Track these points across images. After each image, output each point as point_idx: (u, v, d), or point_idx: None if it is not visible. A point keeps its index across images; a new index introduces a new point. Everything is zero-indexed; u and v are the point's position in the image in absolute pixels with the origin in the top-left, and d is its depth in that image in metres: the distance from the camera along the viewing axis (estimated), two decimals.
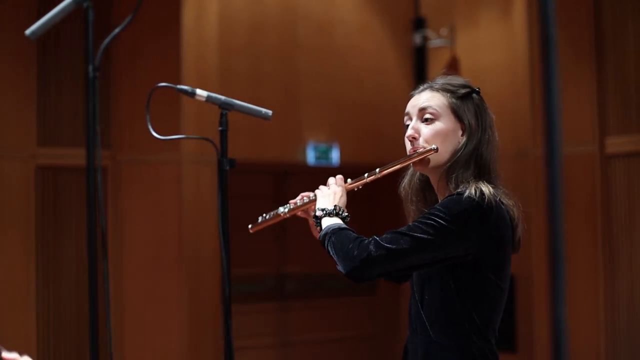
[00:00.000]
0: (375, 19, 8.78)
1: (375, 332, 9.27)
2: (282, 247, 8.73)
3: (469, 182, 2.87)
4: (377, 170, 3.12)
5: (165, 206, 7.18)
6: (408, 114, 3.07)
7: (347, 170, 8.76)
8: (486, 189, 2.82)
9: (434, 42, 8.70)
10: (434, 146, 2.91)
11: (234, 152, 7.67)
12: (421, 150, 2.95)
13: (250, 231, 3.43)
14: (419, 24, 8.93)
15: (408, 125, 3.06)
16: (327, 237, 2.92)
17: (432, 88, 3.03)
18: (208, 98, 2.58)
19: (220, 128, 2.54)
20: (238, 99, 8.51)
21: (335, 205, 3.07)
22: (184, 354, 7.23)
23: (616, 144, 7.25)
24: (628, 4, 7.23)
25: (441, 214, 2.77)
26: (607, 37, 7.36)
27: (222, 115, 2.58)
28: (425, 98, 3.01)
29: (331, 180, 3.20)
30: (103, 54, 2.30)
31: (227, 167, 2.51)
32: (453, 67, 8.57)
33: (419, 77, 8.96)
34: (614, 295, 7.22)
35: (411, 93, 3.12)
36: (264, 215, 3.40)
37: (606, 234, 7.18)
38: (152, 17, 7.14)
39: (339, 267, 2.85)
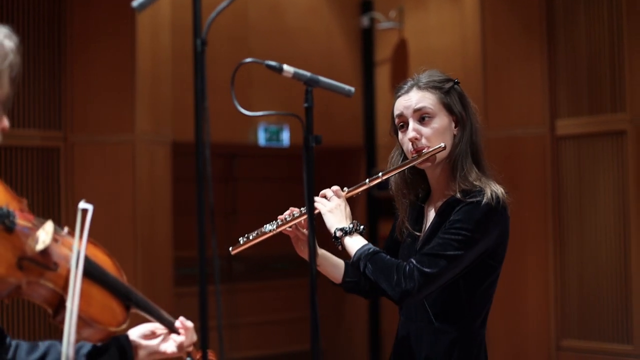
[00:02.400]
0: (324, 1, 8.79)
1: (322, 314, 9.30)
2: (230, 228, 8.69)
3: (478, 180, 3.06)
4: (380, 173, 3.16)
5: (119, 187, 7.06)
6: (401, 115, 3.16)
7: (297, 151, 8.80)
8: (499, 191, 3.02)
9: (383, 24, 8.75)
10: (442, 144, 3.06)
11: (185, 133, 7.64)
12: (429, 149, 3.06)
13: (232, 253, 3.32)
14: (367, 6, 8.97)
15: (402, 127, 3.16)
16: (361, 263, 3.02)
17: (418, 87, 3.16)
18: (294, 74, 2.57)
19: (306, 104, 2.53)
20: (190, 79, 8.40)
21: (353, 222, 3.11)
22: None
23: (566, 125, 7.41)
24: None
25: (466, 225, 2.95)
26: (559, 21, 7.50)
27: (307, 91, 2.56)
28: (417, 98, 3.13)
29: (328, 192, 3.18)
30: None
31: (313, 144, 2.48)
32: (401, 49, 8.64)
33: (367, 60, 9.02)
34: (564, 274, 7.39)
35: (397, 94, 3.23)
36: (247, 235, 3.28)
37: (556, 215, 7.34)
38: None
39: (385, 291, 2.96)
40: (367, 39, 9.03)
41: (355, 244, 3.07)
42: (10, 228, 2.06)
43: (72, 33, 6.98)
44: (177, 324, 2.58)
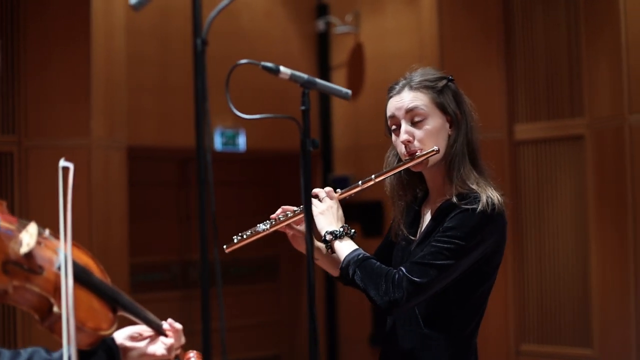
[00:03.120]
0: (280, 4, 8.73)
1: (279, 319, 9.24)
2: (186, 233, 8.59)
3: (476, 183, 2.94)
4: (373, 176, 3.08)
5: (74, 192, 6.91)
6: (393, 117, 3.07)
7: (253, 155, 8.75)
8: (495, 196, 2.91)
9: (339, 28, 8.71)
10: (435, 148, 2.96)
11: (142, 137, 7.52)
12: (422, 153, 2.97)
13: (226, 251, 3.23)
14: (323, 10, 8.93)
15: (394, 129, 3.08)
16: (350, 269, 2.94)
17: (410, 87, 3.04)
18: (291, 76, 2.49)
19: (302, 107, 2.45)
20: (146, 83, 8.29)
21: (343, 226, 3.04)
22: None
23: (525, 130, 7.44)
24: None
25: (459, 234, 2.85)
26: (517, 26, 7.53)
27: (304, 94, 2.48)
28: (409, 99, 3.02)
29: (321, 193, 3.11)
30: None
31: (310, 148, 2.40)
32: (357, 53, 8.61)
33: (323, 64, 8.97)
34: (523, 278, 7.42)
35: (389, 94, 3.12)
36: (240, 234, 3.21)
37: (515, 219, 7.36)
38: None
39: (373, 299, 2.88)
40: (323, 43, 8.99)
41: (345, 248, 2.98)
42: None
43: (26, 37, 6.82)
44: (166, 325, 2.51)
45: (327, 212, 3.05)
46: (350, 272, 2.93)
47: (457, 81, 3.09)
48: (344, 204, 3.14)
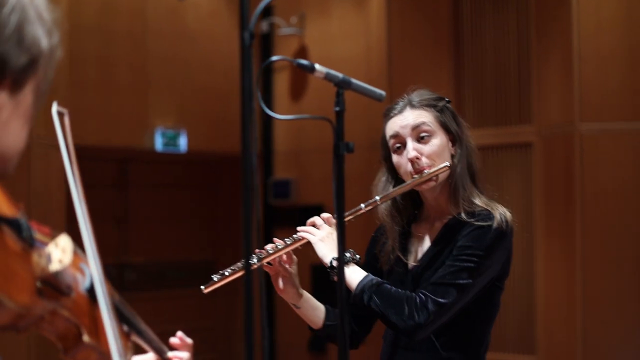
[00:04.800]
0: (224, 5, 8.59)
1: (214, 324, 9.10)
2: (122, 236, 8.39)
3: (483, 202, 2.92)
4: (377, 198, 2.96)
5: (13, 193, 6.68)
6: (397, 136, 2.98)
7: (195, 156, 8.59)
8: (507, 214, 2.89)
9: (283, 30, 8.61)
10: (447, 163, 2.91)
11: (82, 137, 7.32)
12: (432, 169, 2.90)
13: (204, 292, 3.06)
14: (267, 11, 8.81)
15: (397, 148, 2.98)
16: (365, 295, 2.84)
17: (412, 105, 3.00)
18: (327, 75, 2.36)
19: (337, 108, 2.31)
20: (88, 81, 8.07)
21: (349, 251, 2.94)
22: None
23: (472, 137, 7.42)
24: (486, 1, 7.43)
25: (477, 252, 2.82)
26: (466, 32, 7.53)
27: (338, 94, 2.35)
28: (414, 116, 2.96)
29: (318, 220, 2.96)
30: None
31: (344, 152, 2.27)
32: (301, 56, 8.52)
33: (266, 65, 8.85)
34: None
35: (389, 115, 3.05)
36: (222, 272, 3.01)
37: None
38: None
39: (395, 323, 2.80)
40: (266, 44, 8.87)
41: (355, 275, 2.87)
42: (30, 244, 1.61)
43: None
44: (175, 340, 2.24)
45: (327, 239, 2.91)
46: (366, 298, 2.83)
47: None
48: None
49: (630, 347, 6.56)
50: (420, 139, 2.93)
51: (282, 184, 8.64)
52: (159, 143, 7.85)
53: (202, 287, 3.05)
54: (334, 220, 2.90)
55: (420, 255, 3.04)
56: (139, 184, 8.66)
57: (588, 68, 6.65)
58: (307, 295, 3.09)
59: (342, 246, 2.21)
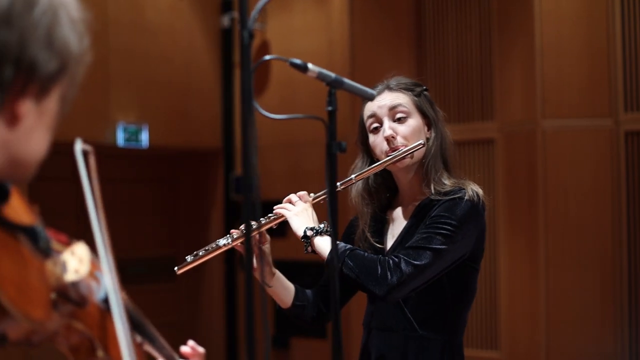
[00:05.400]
0: None
1: (177, 319, 9.03)
2: (81, 231, 8.29)
3: (458, 181, 3.01)
4: (353, 176, 3.05)
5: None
6: (375, 115, 3.09)
7: (157, 151, 8.52)
8: (479, 189, 2.97)
9: None
10: (421, 141, 2.99)
11: None
12: (407, 148, 2.98)
13: (177, 273, 3.14)
14: (227, 5, 8.76)
15: (376, 128, 3.09)
16: (337, 260, 2.87)
17: (389, 88, 3.13)
18: (319, 75, 2.35)
19: (329, 108, 2.31)
20: None
21: (323, 222, 2.98)
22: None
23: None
24: None
25: (449, 221, 2.87)
26: (428, 28, 7.54)
27: (330, 93, 2.34)
28: (391, 98, 3.08)
29: (294, 197, 3.06)
30: None
31: (336, 151, 2.27)
32: (263, 51, 8.48)
33: (227, 60, 8.80)
34: None
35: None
36: (196, 252, 3.07)
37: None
38: None
39: (367, 287, 2.84)
40: (227, 39, 8.81)
41: (327, 242, 2.92)
42: (47, 254, 1.53)
43: None
44: (186, 349, 2.24)
45: (302, 214, 2.99)
46: (338, 264, 2.86)
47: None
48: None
49: (593, 343, 6.61)
50: (396, 120, 3.04)
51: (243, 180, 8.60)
52: (120, 138, 7.77)
53: (175, 268, 3.12)
54: (308, 198, 3.03)
55: (395, 238, 3.10)
56: (100, 178, 8.56)
57: (550, 64, 6.69)
58: (279, 274, 3.15)
59: (335, 246, 2.21)
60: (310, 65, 2.32)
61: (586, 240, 6.65)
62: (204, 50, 8.65)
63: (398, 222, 3.12)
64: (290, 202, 3.04)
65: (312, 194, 3.05)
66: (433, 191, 2.96)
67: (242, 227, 2.96)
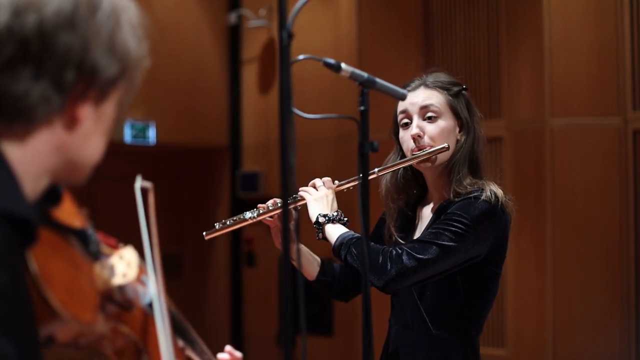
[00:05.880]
0: None
1: (183, 316, 9.04)
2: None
3: (477, 182, 2.97)
4: (376, 169, 3.04)
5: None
6: (406, 112, 3.06)
7: (164, 148, 8.53)
8: (498, 191, 2.95)
9: (252, 22, 8.56)
10: (445, 144, 2.96)
11: None
12: (431, 148, 2.96)
13: (206, 238, 3.17)
14: (235, 3, 8.77)
15: (406, 124, 3.06)
16: (343, 248, 2.88)
17: (426, 85, 3.10)
18: (352, 74, 2.37)
19: (361, 107, 2.32)
20: None
21: (337, 211, 2.99)
22: None
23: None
24: None
25: (462, 219, 2.84)
26: (436, 25, 7.53)
27: (362, 93, 2.35)
28: (424, 96, 3.05)
29: (318, 182, 3.06)
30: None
31: (368, 151, 2.27)
32: (270, 48, 8.49)
33: (234, 57, 8.81)
34: None
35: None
36: (224, 221, 3.13)
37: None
38: None
39: (369, 280, 2.73)
40: (234, 36, 8.82)
41: (337, 230, 2.93)
42: (96, 257, 1.56)
43: None
44: (224, 356, 2.18)
45: (321, 200, 2.99)
46: (343, 252, 2.87)
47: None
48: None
49: (600, 340, 6.62)
50: (426, 118, 3.00)
51: (250, 177, 8.61)
52: (127, 135, 7.79)
53: (204, 233, 3.14)
54: (332, 184, 3.03)
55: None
56: (107, 176, 8.57)
57: (558, 63, 6.69)
58: (305, 248, 3.16)
59: (366, 240, 2.21)
60: (343, 65, 2.33)
61: (593, 238, 6.65)
62: (212, 48, 8.66)
63: (424, 221, 3.10)
64: (314, 186, 3.04)
65: (336, 181, 3.06)
66: (452, 193, 2.94)
67: (269, 202, 3.03)
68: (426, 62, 7.52)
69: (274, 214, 3.01)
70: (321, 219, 2.94)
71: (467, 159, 2.99)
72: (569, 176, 6.69)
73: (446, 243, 2.80)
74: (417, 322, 2.98)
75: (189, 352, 1.94)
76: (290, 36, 2.03)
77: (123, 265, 1.60)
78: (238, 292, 8.87)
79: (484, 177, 3.03)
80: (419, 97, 3.05)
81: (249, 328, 8.81)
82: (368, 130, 2.32)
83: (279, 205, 2.98)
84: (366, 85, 2.38)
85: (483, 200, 2.86)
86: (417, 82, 3.12)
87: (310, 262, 3.15)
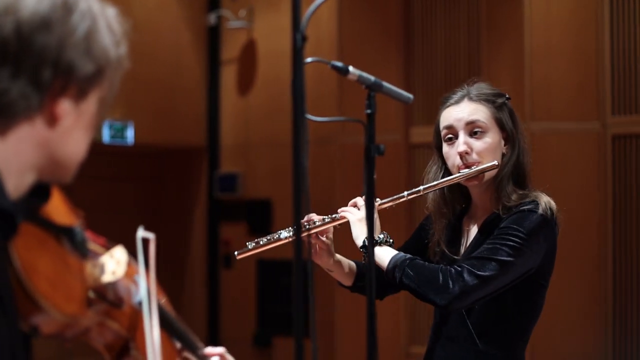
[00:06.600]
0: None
1: None
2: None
3: (527, 194, 2.90)
4: (421, 187, 3.00)
5: None
6: (451, 127, 2.96)
7: (142, 149, 8.49)
8: (552, 203, 2.88)
9: (232, 23, 8.53)
10: (495, 162, 2.89)
11: None
12: (480, 166, 2.89)
13: (237, 258, 3.12)
14: (215, 4, 8.74)
15: (449, 139, 2.98)
16: (397, 270, 2.83)
17: (470, 98, 2.97)
18: (359, 78, 2.36)
19: (368, 111, 2.30)
20: None
21: (383, 233, 2.94)
22: None
23: (421, 133, 7.47)
24: None
25: (517, 233, 2.78)
26: (417, 29, 7.56)
27: (369, 96, 2.34)
28: (470, 110, 2.94)
29: (360, 201, 2.99)
30: None
31: (375, 154, 2.26)
32: (250, 50, 8.48)
33: (213, 58, 8.78)
34: None
35: (445, 104, 3.04)
36: (257, 240, 3.06)
37: (409, 216, 7.36)
38: None
39: (428, 296, 2.78)
40: (213, 37, 8.79)
41: (387, 252, 2.88)
42: (84, 255, 1.61)
43: None
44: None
45: (365, 221, 2.87)
46: (398, 274, 2.82)
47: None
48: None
49: (578, 345, 6.66)
50: (472, 134, 2.92)
51: (228, 178, 8.58)
52: (106, 135, 7.75)
53: (235, 252, 3.09)
54: (375, 203, 2.90)
55: (465, 249, 3.04)
56: (85, 175, 8.53)
57: (538, 67, 6.74)
58: (340, 258, 3.13)
59: (371, 241, 2.19)
60: (351, 68, 2.33)
61: (572, 240, 6.67)
62: (191, 48, 8.63)
63: (471, 234, 3.04)
64: (355, 205, 2.99)
65: (378, 199, 2.96)
66: (501, 208, 2.87)
67: (305, 219, 2.95)
68: (406, 64, 7.54)
69: (312, 232, 2.97)
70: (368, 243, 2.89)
71: (514, 173, 2.93)
72: (548, 181, 6.62)
73: (505, 258, 2.74)
74: (463, 335, 2.91)
75: (189, 355, 1.97)
76: (304, 38, 2.02)
77: (113, 263, 1.65)
78: (215, 294, 8.84)
79: (529, 187, 2.96)
80: (464, 111, 2.94)
81: (225, 330, 8.78)
82: (374, 133, 2.30)
83: (317, 224, 2.97)
84: (373, 89, 2.38)
85: (539, 214, 2.80)
86: (459, 94, 3.00)
87: (344, 273, 3.14)
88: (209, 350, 2.12)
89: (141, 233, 1.74)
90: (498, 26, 7.05)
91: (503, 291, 2.83)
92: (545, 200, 2.86)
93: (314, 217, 2.99)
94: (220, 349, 2.18)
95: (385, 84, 2.42)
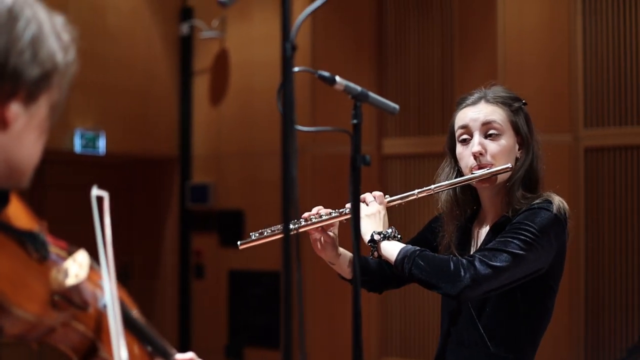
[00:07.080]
0: (145, 5, 8.46)
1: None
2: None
3: (539, 195, 2.88)
4: (433, 186, 3.01)
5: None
6: (466, 127, 2.96)
7: (114, 158, 8.44)
8: (565, 204, 2.86)
9: (204, 33, 8.52)
10: (509, 165, 2.88)
11: None
12: (494, 168, 2.88)
13: (239, 248, 3.08)
14: (187, 13, 8.72)
15: (463, 140, 2.97)
16: (407, 261, 2.80)
17: (486, 100, 2.97)
18: (346, 88, 2.34)
19: (355, 121, 2.29)
20: None
21: (391, 227, 2.93)
22: None
23: (393, 145, 7.50)
24: (410, 10, 7.50)
25: (529, 228, 2.76)
26: (390, 41, 7.59)
27: (356, 106, 2.33)
28: (486, 112, 2.94)
29: (369, 197, 2.99)
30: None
31: (361, 165, 2.25)
32: (222, 59, 8.46)
33: (185, 68, 8.76)
34: (386, 294, 7.44)
35: (461, 104, 3.04)
36: (261, 231, 3.03)
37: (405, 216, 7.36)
38: None
39: (438, 286, 2.76)
40: (186, 47, 8.77)
41: (395, 245, 2.86)
42: (44, 257, 1.65)
43: None
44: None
45: (373, 216, 2.94)
46: (407, 265, 2.80)
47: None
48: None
49: (549, 350, 6.70)
50: (487, 136, 2.91)
51: (200, 188, 8.56)
52: (77, 145, 7.70)
53: (239, 242, 3.06)
54: (384, 199, 2.97)
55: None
56: (56, 185, 8.48)
57: (511, 79, 6.78)
58: (343, 252, 3.13)
59: (357, 252, 2.19)
60: (337, 78, 2.32)
61: None
62: (163, 58, 8.61)
63: (480, 237, 3.03)
64: (364, 201, 2.97)
65: (387, 196, 3.00)
66: (511, 211, 2.86)
67: (314, 212, 3.00)
68: (379, 76, 7.57)
69: (318, 226, 2.99)
70: (376, 237, 2.88)
71: (526, 178, 2.91)
72: None
73: (516, 251, 2.72)
74: (474, 339, 2.90)
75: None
76: (294, 48, 2.01)
77: (76, 266, 1.70)
78: (186, 304, 8.80)
79: (540, 189, 2.94)
80: (481, 112, 2.94)
81: (197, 340, 8.75)
82: (360, 143, 2.30)
83: (323, 218, 2.97)
84: (359, 99, 2.36)
85: (552, 212, 2.78)
86: (476, 96, 3.00)
87: (347, 263, 3.14)
88: (179, 356, 2.13)
89: (95, 191, 1.81)
90: (471, 39, 7.09)
91: (513, 290, 2.82)
92: (558, 200, 2.84)
93: (322, 210, 2.99)
94: (190, 354, 2.18)
95: (371, 94, 2.41)
